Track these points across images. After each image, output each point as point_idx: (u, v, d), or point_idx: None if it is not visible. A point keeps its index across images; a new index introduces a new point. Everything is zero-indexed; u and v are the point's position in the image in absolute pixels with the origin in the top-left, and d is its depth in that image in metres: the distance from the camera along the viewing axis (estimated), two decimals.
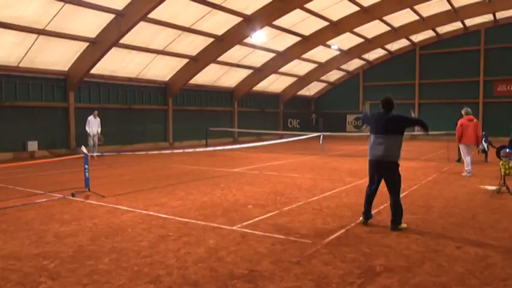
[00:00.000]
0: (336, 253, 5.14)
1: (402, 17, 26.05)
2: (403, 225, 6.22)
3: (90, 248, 5.38)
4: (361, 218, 6.57)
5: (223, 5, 19.18)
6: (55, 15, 15.99)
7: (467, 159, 11.76)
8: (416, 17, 26.44)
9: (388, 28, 27.83)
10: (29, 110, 18.38)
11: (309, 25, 24.36)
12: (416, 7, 24.24)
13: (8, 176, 11.98)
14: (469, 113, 11.88)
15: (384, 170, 6.43)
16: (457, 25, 28.98)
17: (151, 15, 17.34)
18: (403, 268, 4.64)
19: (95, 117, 17.93)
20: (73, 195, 8.89)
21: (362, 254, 5.11)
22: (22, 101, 18.07)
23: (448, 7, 25.01)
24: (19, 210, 7.62)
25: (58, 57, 18.50)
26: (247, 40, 22.73)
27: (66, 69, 19.33)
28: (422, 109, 31.87)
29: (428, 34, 30.39)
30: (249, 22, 21.04)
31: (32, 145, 18.17)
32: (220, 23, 21.08)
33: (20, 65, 17.69)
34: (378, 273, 4.51)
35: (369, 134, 6.80)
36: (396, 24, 27.52)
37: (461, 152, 12.22)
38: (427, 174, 11.91)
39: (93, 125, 17.82)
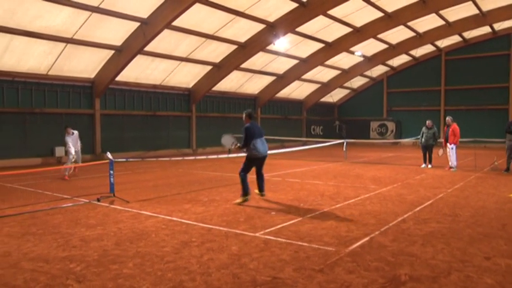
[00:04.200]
0: (359, 261, 5.07)
1: (427, 22, 25.68)
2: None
3: (115, 253, 5.46)
4: (247, 197, 8.61)
5: (246, 12, 19.30)
6: (82, 24, 16.38)
7: (456, 158, 14.49)
8: (442, 22, 26.03)
9: (413, 34, 27.50)
10: (57, 116, 18.83)
11: (332, 31, 24.28)
12: (441, 12, 23.83)
13: (37, 181, 12.29)
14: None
15: (264, 160, 9.04)
16: (485, 29, 28.34)
17: (175, 23, 17.58)
18: (429, 278, 4.54)
19: (68, 134, 13.76)
20: (98, 200, 9.04)
21: (386, 262, 5.03)
22: (50, 107, 18.54)
23: (476, 11, 24.47)
24: (47, 214, 7.80)
25: (85, 65, 18.93)
26: (270, 47, 22.79)
27: (93, 76, 19.75)
28: (448, 116, 31.29)
29: (454, 39, 29.92)
30: (272, 29, 21.11)
31: (60, 151, 18.57)
32: (244, 30, 21.21)
33: (49, 73, 18.19)
34: (403, 283, 4.42)
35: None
36: (421, 30, 27.17)
37: (454, 153, 14.38)
38: (454, 183, 11.67)
39: (74, 142, 13.84)
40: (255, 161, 8.85)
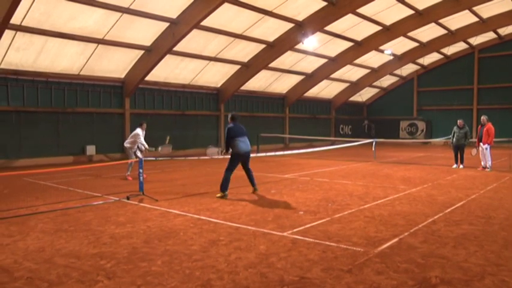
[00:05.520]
0: (388, 262, 4.98)
1: (460, 19, 25.02)
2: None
3: (144, 250, 5.53)
4: (226, 193, 9.33)
5: (275, 11, 19.27)
6: (113, 25, 16.71)
7: (491, 158, 14.17)
8: (476, 19, 25.30)
9: (445, 31, 26.85)
10: (88, 115, 19.28)
11: (362, 30, 23.97)
12: (475, 8, 23.15)
13: (68, 179, 12.61)
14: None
15: (248, 157, 9.78)
16: None
17: (204, 23, 17.70)
18: (461, 281, 4.42)
19: (143, 129, 12.96)
20: (128, 198, 9.19)
21: (416, 264, 4.93)
22: (82, 107, 18.98)
23: None
24: (78, 212, 7.99)
25: (115, 65, 19.29)
26: (299, 46, 22.69)
27: (123, 76, 20.11)
28: (481, 115, 30.47)
29: (488, 36, 28.95)
30: (300, 28, 21.01)
31: (91, 149, 19.01)
32: (272, 29, 21.18)
33: (81, 73, 18.62)
34: (434, 286, 4.32)
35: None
36: (453, 27, 26.50)
37: (488, 153, 14.10)
38: (487, 184, 11.35)
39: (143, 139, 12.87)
40: (238, 158, 9.62)
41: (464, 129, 15.14)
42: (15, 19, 14.03)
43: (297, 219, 7.27)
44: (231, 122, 9.81)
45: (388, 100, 36.24)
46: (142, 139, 12.70)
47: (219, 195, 9.41)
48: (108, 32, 17.01)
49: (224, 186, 9.42)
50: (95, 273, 4.70)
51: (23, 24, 14.86)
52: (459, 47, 30.45)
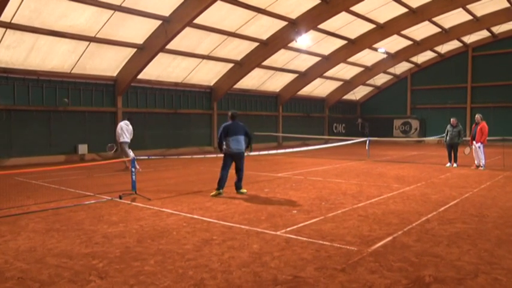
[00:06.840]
0: (382, 261, 4.97)
1: (454, 18, 25.10)
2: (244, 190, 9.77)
3: (137, 250, 5.49)
4: (220, 191, 9.39)
5: (268, 9, 19.23)
6: (105, 22, 16.59)
7: (484, 156, 14.23)
8: (470, 17, 25.40)
9: (438, 29, 26.94)
10: (80, 114, 19.13)
11: (355, 28, 24.00)
12: (469, 6, 23.20)
13: (60, 178, 12.51)
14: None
15: (240, 157, 9.66)
16: None
17: (197, 21, 17.64)
18: (455, 280, 4.42)
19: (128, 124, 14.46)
20: (120, 197, 9.12)
21: (410, 263, 4.92)
22: (74, 106, 18.83)
23: (506, 4, 23.64)
24: (70, 211, 7.91)
25: (107, 63, 19.17)
26: (292, 44, 22.67)
27: (115, 74, 19.99)
28: (475, 113, 30.63)
29: (482, 34, 29.03)
30: (294, 26, 20.99)
31: (83, 148, 18.87)
32: (265, 28, 21.15)
33: (73, 71, 18.48)
34: (427, 284, 4.32)
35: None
36: (447, 25, 26.60)
37: (482, 151, 14.15)
38: (480, 182, 11.39)
39: (127, 133, 14.22)
40: (229, 157, 9.66)
41: (458, 128, 15.18)
42: (5, 16, 13.89)
43: (291, 218, 7.25)
44: (230, 120, 9.79)
45: (382, 98, 36.33)
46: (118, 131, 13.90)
47: (213, 193, 9.45)
48: (100, 29, 16.88)
49: (219, 184, 9.48)
50: (87, 273, 4.65)
51: (13, 21, 14.71)
52: (453, 45, 30.60)
